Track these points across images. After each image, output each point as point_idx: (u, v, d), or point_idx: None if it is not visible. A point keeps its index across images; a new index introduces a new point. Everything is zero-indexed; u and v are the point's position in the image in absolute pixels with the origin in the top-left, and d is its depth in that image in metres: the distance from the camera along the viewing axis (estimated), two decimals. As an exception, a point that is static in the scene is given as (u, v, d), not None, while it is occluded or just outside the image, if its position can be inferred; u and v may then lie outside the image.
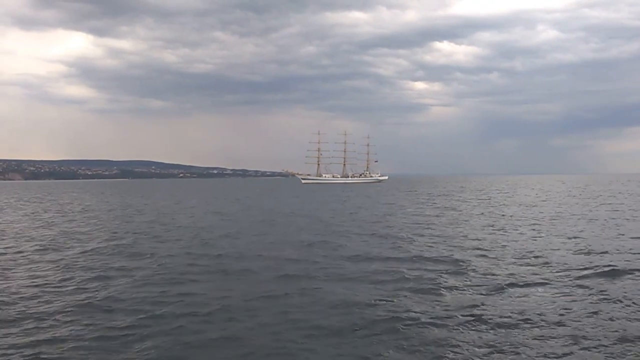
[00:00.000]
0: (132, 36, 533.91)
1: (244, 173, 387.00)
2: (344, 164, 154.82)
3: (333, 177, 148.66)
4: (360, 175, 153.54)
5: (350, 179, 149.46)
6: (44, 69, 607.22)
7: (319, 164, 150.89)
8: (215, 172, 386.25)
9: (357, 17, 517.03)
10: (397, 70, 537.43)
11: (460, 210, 36.25)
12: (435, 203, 46.22)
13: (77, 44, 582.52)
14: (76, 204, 52.67)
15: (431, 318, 9.73)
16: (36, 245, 20.35)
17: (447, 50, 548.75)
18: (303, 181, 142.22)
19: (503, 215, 31.87)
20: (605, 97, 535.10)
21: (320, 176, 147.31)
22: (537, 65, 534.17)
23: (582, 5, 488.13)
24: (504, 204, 43.06)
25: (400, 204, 45.78)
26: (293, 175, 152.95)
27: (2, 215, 37.76)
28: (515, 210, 36.20)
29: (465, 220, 28.67)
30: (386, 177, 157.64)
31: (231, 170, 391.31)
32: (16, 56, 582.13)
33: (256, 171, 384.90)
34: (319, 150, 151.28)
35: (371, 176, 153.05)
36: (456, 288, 12.19)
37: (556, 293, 11.55)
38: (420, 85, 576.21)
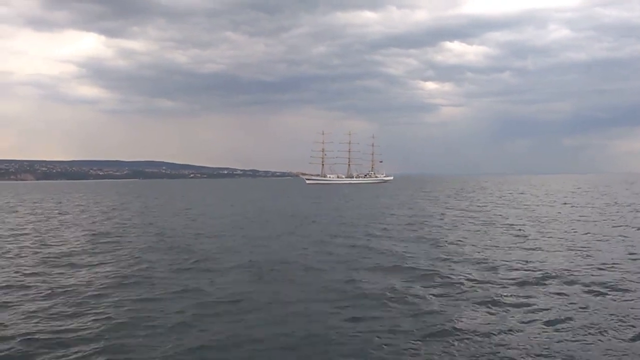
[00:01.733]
0: (143, 37, 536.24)
1: (254, 173, 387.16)
2: (349, 164, 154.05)
3: (338, 177, 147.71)
4: (365, 175, 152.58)
5: (354, 179, 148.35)
6: (56, 70, 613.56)
7: (323, 165, 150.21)
8: (225, 172, 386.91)
9: (367, 17, 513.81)
10: (407, 70, 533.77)
11: (483, 212, 35.50)
12: (453, 204, 45.17)
13: (89, 44, 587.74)
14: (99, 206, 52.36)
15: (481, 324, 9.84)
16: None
17: (458, 50, 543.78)
18: (307, 182, 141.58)
19: (529, 216, 31.40)
20: (618, 96, 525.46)
21: (324, 177, 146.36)
22: (549, 64, 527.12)
23: (595, 4, 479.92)
24: (526, 205, 42.20)
25: (411, 206, 44.66)
26: (297, 175, 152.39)
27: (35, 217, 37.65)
28: (539, 211, 35.57)
29: (489, 221, 28.58)
30: (391, 178, 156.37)
31: (241, 170, 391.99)
32: (28, 57, 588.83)
33: (266, 171, 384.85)
34: (323, 151, 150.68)
35: (376, 176, 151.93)
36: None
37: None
38: (431, 85, 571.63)
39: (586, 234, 22.37)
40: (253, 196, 71.90)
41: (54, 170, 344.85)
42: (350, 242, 20.94)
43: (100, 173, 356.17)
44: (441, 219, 30.58)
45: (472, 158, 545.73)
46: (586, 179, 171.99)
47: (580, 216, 30.89)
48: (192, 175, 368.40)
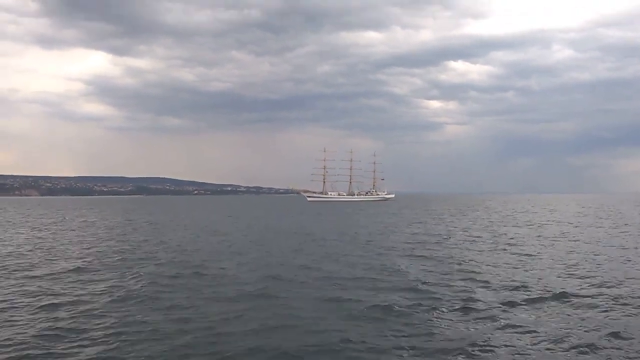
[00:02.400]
0: (150, 55, 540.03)
1: (257, 190, 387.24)
2: (350, 182, 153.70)
3: (339, 195, 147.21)
4: (367, 193, 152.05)
5: (355, 197, 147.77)
6: (63, 87, 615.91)
7: (324, 182, 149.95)
8: (229, 189, 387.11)
9: (372, 37, 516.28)
10: (411, 89, 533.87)
11: (488, 231, 35.02)
12: (457, 223, 44.59)
13: (96, 62, 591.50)
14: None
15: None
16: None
17: (462, 69, 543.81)
18: (308, 199, 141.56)
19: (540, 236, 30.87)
20: (622, 116, 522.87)
21: (325, 194, 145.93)
22: (553, 84, 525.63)
23: (598, 24, 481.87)
24: (530, 224, 41.68)
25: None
26: (299, 193, 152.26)
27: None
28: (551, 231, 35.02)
29: (492, 240, 28.34)
30: (393, 196, 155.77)
31: (245, 187, 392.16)
32: (36, 74, 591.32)
33: (270, 188, 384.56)
34: (324, 168, 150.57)
35: (377, 194, 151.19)
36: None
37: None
38: (435, 104, 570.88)
39: (592, 254, 22.22)
40: (256, 213, 71.76)
41: (58, 186, 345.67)
42: (353, 260, 20.89)
43: (104, 189, 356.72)
44: (446, 238, 30.31)
45: (476, 176, 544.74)
46: (592, 198, 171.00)
47: (585, 236, 30.71)
48: (195, 192, 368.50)
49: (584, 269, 18.12)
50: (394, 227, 39.89)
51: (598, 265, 18.87)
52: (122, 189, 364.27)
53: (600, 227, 38.10)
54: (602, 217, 52.33)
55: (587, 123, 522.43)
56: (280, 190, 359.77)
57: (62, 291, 14.66)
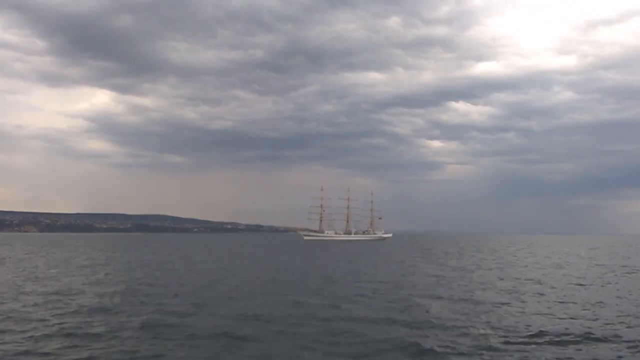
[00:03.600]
0: (154, 93, 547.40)
1: (258, 228, 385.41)
2: (347, 220, 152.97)
3: (335, 233, 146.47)
4: (364, 232, 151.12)
5: (352, 235, 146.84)
6: (66, 124, 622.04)
7: (321, 220, 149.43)
8: (229, 227, 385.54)
9: (374, 78, 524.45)
10: (413, 128, 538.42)
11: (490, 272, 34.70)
12: (461, 264, 43.71)
13: (100, 100, 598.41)
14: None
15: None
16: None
17: (463, 110, 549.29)
18: (305, 237, 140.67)
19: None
20: (623, 158, 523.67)
21: (322, 232, 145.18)
22: (554, 125, 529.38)
23: (598, 67, 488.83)
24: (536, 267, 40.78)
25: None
26: (296, 231, 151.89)
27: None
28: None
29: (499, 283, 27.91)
30: (390, 235, 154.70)
31: (245, 225, 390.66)
32: (40, 111, 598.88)
33: (270, 227, 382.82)
34: (321, 207, 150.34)
35: (374, 233, 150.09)
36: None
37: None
38: (436, 144, 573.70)
39: (605, 296, 22.14)
40: (248, 251, 70.74)
41: (58, 223, 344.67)
42: (354, 299, 21.15)
43: (104, 226, 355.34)
44: (451, 279, 29.77)
45: (476, 216, 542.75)
46: (595, 240, 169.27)
47: (594, 279, 30.34)
48: (195, 230, 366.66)
49: (600, 310, 18.07)
50: (392, 267, 39.28)
51: (615, 307, 18.87)
52: (122, 226, 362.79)
53: (609, 269, 37.55)
54: (609, 258, 51.55)
55: (588, 164, 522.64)
56: (281, 229, 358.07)
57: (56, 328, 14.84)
